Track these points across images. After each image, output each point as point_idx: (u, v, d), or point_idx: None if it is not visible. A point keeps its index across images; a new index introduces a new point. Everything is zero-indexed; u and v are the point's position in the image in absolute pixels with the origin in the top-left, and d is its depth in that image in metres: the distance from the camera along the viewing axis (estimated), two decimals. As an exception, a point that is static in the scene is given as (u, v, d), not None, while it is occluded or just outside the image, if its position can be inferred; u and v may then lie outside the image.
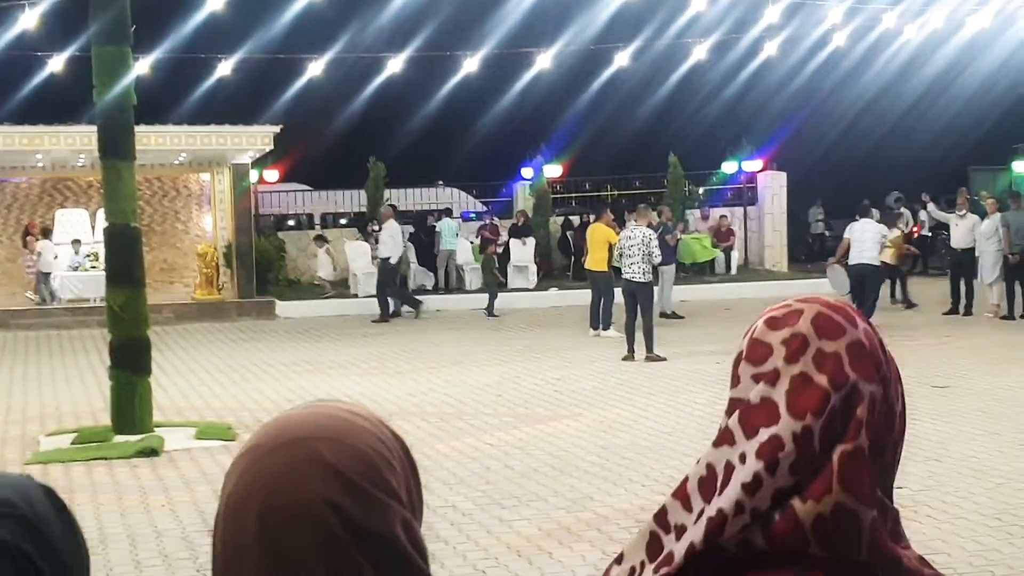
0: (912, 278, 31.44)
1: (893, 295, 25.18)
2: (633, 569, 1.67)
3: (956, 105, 43.06)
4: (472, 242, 30.44)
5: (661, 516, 1.66)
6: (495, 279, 26.77)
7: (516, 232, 30.63)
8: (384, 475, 1.41)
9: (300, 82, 32.15)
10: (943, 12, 27.75)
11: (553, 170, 34.74)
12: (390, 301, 25.82)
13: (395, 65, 31.11)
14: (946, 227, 25.98)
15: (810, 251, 38.29)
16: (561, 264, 32.30)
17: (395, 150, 38.94)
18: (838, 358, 1.60)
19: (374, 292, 28.25)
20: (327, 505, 1.36)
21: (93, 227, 28.71)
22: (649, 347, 18.30)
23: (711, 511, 1.58)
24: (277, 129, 27.48)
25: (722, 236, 32.17)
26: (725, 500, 1.57)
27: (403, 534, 1.40)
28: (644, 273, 18.51)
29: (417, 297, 26.66)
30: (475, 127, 47.70)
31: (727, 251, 32.03)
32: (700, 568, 1.58)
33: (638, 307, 18.53)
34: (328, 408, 1.48)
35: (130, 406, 13.03)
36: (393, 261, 25.25)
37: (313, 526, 1.35)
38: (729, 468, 1.59)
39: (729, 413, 1.65)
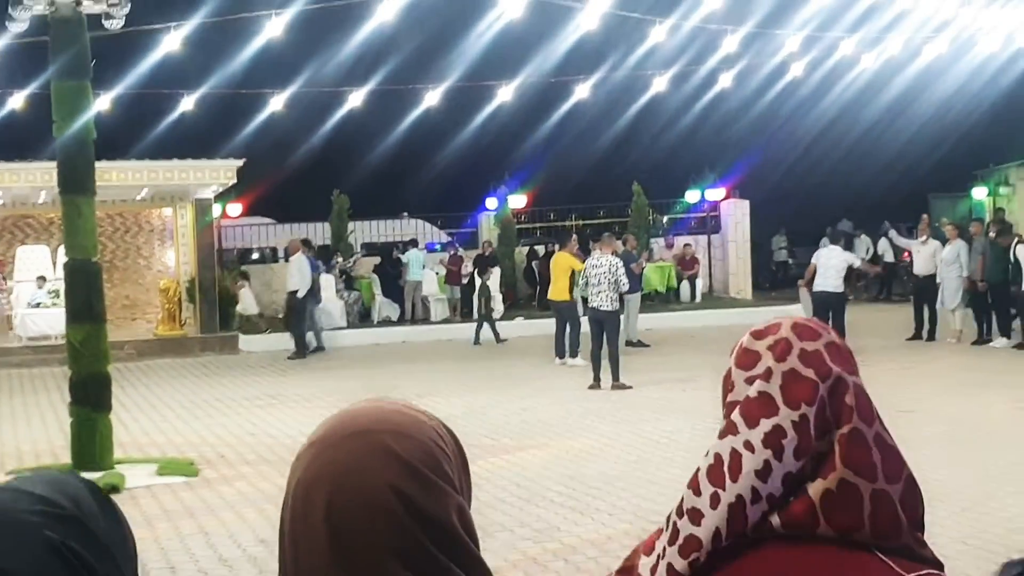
0: (876, 304, 31.70)
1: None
2: (659, 556, 1.83)
3: (916, 131, 43.37)
4: (437, 273, 30.41)
5: (679, 506, 1.82)
6: (489, 308, 26.65)
7: (481, 262, 30.61)
8: (442, 464, 1.52)
9: (262, 116, 32.12)
10: (900, 39, 27.97)
11: (517, 200, 34.81)
12: (307, 335, 25.57)
13: (357, 98, 31.13)
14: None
15: (774, 279, 38.46)
16: (527, 294, 32.31)
17: (359, 182, 38.90)
18: (820, 355, 1.82)
19: (336, 326, 28.21)
20: (392, 490, 1.45)
21: (55, 263, 28.49)
22: (615, 375, 18.29)
23: (729, 497, 1.76)
24: (240, 163, 27.38)
25: (686, 264, 32.26)
26: (741, 487, 1.75)
27: (457, 520, 1.50)
28: (611, 301, 18.50)
29: (307, 345, 25.60)
30: (439, 158, 47.71)
31: (692, 279, 32.11)
32: (722, 549, 1.77)
33: (604, 335, 18.54)
34: (387, 404, 1.60)
35: (91, 443, 12.90)
36: (300, 295, 24.96)
37: (379, 510, 1.44)
38: (735, 455, 1.78)
39: (728, 415, 1.85)
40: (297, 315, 25.24)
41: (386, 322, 29.48)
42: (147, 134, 32.28)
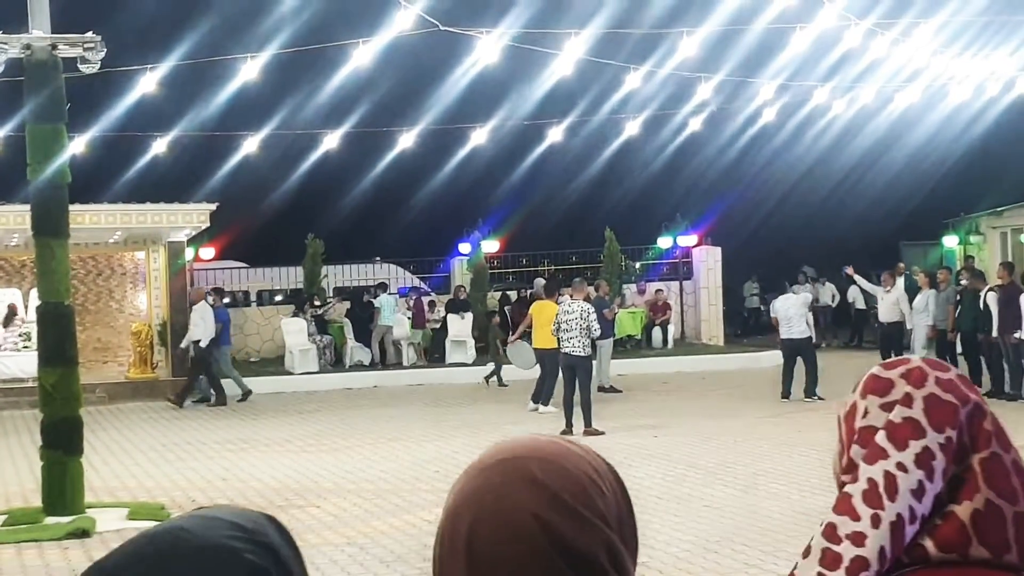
0: (847, 351, 31.80)
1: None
2: None
3: (887, 179, 43.77)
4: (408, 317, 30.35)
5: (830, 532, 1.81)
6: (498, 350, 26.53)
7: (454, 307, 30.62)
8: (592, 497, 1.47)
9: (236, 159, 32.11)
10: (872, 88, 28.22)
11: (490, 245, 34.88)
12: (222, 382, 25.10)
13: (331, 142, 31.18)
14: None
15: (745, 325, 38.58)
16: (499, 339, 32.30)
17: (332, 226, 39.03)
18: (954, 382, 1.89)
19: (308, 370, 28.13)
20: (533, 519, 1.42)
21: (26, 306, 28.42)
22: (587, 421, 18.29)
23: (890, 515, 1.78)
24: (213, 207, 27.38)
25: (658, 310, 32.34)
26: (900, 505, 1.78)
27: (605, 557, 1.45)
28: (583, 347, 18.53)
29: (223, 388, 25.04)
30: (412, 203, 47.91)
31: (663, 325, 32.18)
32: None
33: (576, 381, 18.55)
34: (545, 436, 1.58)
35: (61, 486, 12.83)
36: (203, 344, 24.61)
37: (520, 538, 1.42)
38: (889, 477, 1.80)
39: (864, 440, 1.87)
40: (202, 364, 24.94)
41: (358, 366, 29.40)
42: (121, 177, 32.28)
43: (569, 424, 18.41)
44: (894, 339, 23.73)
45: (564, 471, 1.48)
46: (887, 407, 1.87)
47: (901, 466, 1.80)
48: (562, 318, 18.74)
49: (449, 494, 1.53)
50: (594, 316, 18.66)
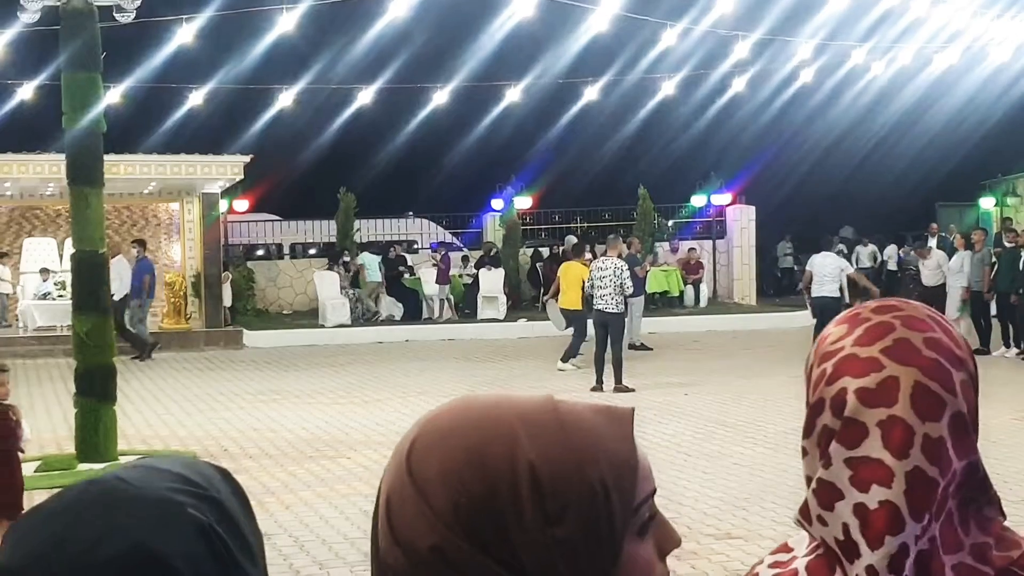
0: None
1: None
2: None
3: (924, 141, 43.41)
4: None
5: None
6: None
7: (485, 263, 30.62)
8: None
9: (271, 112, 32.14)
10: (911, 49, 27.97)
11: (523, 202, 34.84)
12: (143, 336, 25.03)
13: (366, 96, 31.15)
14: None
15: (778, 285, 38.45)
16: (531, 295, 32.32)
17: (366, 181, 39.00)
18: (943, 444, 1.43)
19: (341, 323, 28.24)
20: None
21: (61, 256, 28.59)
22: (618, 378, 18.29)
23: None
24: (247, 159, 27.45)
25: (691, 269, 32.27)
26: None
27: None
28: (617, 304, 18.50)
29: (145, 342, 24.92)
30: (446, 159, 47.80)
31: (696, 284, 32.12)
32: None
33: (608, 338, 18.54)
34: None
35: (95, 434, 12.93)
36: (117, 298, 24.47)
37: None
38: None
39: (820, 494, 1.47)
40: (121, 317, 24.75)
41: (389, 320, 29.49)
42: (156, 128, 32.36)
43: (600, 380, 18.42)
44: (935, 303, 23.58)
45: None
46: (856, 466, 1.44)
47: (870, 571, 1.42)
48: (596, 275, 18.71)
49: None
50: (627, 273, 18.61)
